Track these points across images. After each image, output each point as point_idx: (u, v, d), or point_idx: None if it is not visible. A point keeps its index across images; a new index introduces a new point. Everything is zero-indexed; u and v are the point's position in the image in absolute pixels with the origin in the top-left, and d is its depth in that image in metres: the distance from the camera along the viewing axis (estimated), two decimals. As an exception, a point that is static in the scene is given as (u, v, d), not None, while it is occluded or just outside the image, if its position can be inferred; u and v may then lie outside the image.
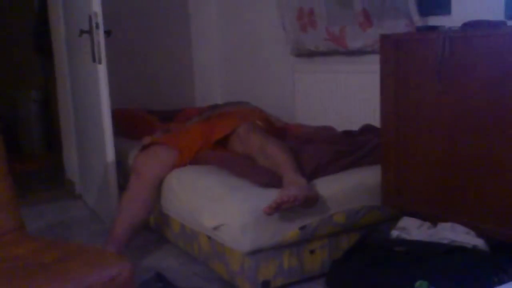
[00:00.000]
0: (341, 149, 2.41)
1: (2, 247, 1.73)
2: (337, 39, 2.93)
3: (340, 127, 2.90)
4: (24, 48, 5.14)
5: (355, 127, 2.79)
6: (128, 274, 1.58)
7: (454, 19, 2.33)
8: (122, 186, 2.75)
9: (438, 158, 1.92)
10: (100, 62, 2.74)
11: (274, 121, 2.93)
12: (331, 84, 3.08)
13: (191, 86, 4.27)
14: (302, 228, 2.12)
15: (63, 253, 1.64)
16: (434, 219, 1.93)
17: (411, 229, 1.91)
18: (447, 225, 1.86)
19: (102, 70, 2.75)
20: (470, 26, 1.87)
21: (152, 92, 4.04)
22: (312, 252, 2.20)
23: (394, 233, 1.91)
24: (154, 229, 2.80)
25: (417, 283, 1.59)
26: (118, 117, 3.27)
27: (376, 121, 2.51)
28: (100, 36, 2.72)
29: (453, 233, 1.81)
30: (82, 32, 2.84)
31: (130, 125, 3.45)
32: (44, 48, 4.32)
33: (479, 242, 1.75)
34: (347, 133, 2.72)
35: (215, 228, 2.15)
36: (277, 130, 2.76)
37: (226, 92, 4.19)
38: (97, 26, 2.71)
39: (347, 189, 2.23)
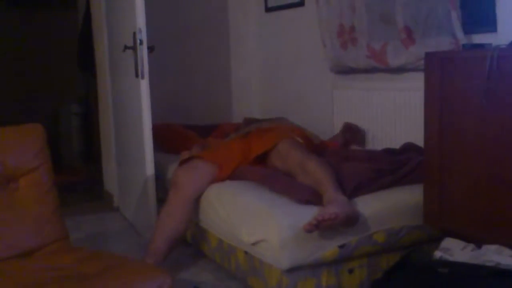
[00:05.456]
0: (382, 167, 2.38)
1: (48, 257, 1.77)
2: (378, 56, 2.91)
3: (380, 146, 2.87)
4: (66, 63, 5.27)
5: (395, 145, 2.76)
6: (168, 287, 1.59)
7: (500, 37, 2.28)
8: (160, 199, 2.78)
9: (483, 179, 1.88)
10: (143, 77, 2.79)
11: (313, 138, 2.92)
12: (370, 102, 3.05)
13: (229, 101, 4.30)
14: (342, 246, 2.09)
15: (106, 265, 1.67)
16: (478, 241, 1.87)
17: (455, 250, 1.86)
18: (492, 247, 1.80)
19: (144, 85, 2.81)
20: (518, 44, 1.84)
21: (191, 107, 4.08)
22: (350, 271, 2.17)
23: (437, 254, 1.86)
24: (191, 243, 2.81)
25: (462, 306, 1.55)
26: (157, 131, 3.30)
27: (416, 140, 2.48)
28: (143, 52, 2.78)
29: (499, 255, 1.76)
30: (126, 47, 2.91)
31: (168, 139, 3.48)
32: (87, 64, 4.43)
33: (526, 266, 1.70)
34: (388, 151, 2.69)
35: (254, 244, 2.14)
36: (316, 147, 2.75)
37: (264, 108, 4.20)
38: (141, 42, 2.77)
39: (388, 208, 2.20)
